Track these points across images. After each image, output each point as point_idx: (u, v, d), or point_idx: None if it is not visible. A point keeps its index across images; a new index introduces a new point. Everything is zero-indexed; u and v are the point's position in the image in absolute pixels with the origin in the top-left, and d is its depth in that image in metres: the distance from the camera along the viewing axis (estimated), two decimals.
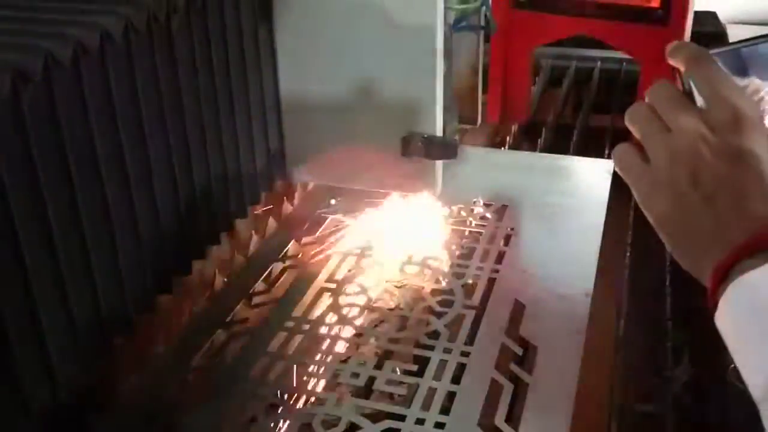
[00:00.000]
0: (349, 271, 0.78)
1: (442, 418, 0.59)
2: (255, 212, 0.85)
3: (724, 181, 0.44)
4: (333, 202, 0.90)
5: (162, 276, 0.65)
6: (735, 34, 1.40)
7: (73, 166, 0.53)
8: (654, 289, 0.86)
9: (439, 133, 0.76)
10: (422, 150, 0.74)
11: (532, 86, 1.35)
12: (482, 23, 0.91)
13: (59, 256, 0.53)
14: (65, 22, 0.53)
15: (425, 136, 0.75)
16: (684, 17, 1.06)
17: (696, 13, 1.50)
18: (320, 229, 0.86)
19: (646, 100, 0.49)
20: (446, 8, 0.78)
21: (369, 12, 0.73)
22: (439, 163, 0.77)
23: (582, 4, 1.12)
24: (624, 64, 1.34)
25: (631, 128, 0.49)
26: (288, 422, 0.59)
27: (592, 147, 1.14)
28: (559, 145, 1.16)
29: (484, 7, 0.90)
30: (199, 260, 0.74)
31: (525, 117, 1.24)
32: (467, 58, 0.93)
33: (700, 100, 0.47)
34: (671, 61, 0.49)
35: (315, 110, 0.79)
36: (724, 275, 0.43)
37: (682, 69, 0.48)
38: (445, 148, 0.75)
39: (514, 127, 1.21)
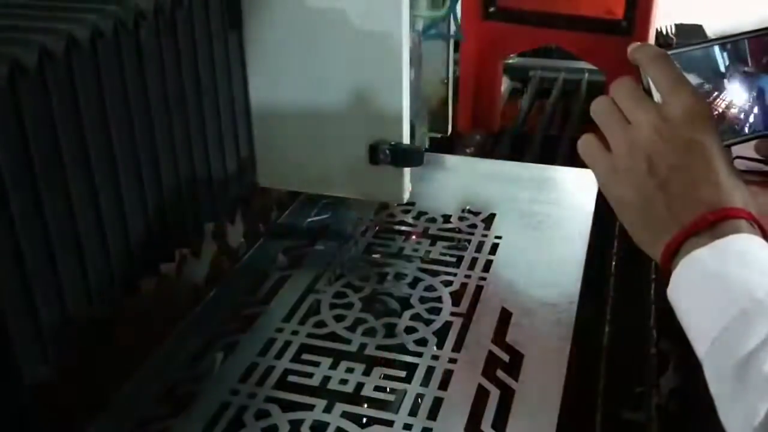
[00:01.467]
0: (339, 280, 0.79)
1: (429, 424, 0.60)
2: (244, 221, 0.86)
3: (676, 169, 0.48)
4: (324, 209, 0.91)
5: (129, 279, 0.65)
6: None
7: (37, 168, 0.53)
8: (639, 297, 0.87)
9: (406, 141, 0.77)
10: (389, 157, 0.76)
11: (521, 98, 1.37)
12: (451, 31, 0.93)
13: (26, 260, 0.53)
14: (31, 29, 0.53)
15: (392, 143, 0.76)
16: (647, 28, 1.09)
17: (682, 25, 1.54)
18: (311, 237, 0.87)
19: (609, 94, 0.53)
20: (414, 16, 0.79)
21: (336, 20, 0.74)
22: (407, 171, 0.79)
23: (550, 16, 1.15)
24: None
25: (595, 119, 0.53)
26: (277, 428, 0.60)
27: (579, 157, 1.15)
28: (546, 156, 1.17)
29: (452, 15, 0.91)
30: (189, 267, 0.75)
31: (495, 126, 1.26)
32: (438, 67, 0.94)
33: (657, 96, 0.51)
34: (632, 60, 0.53)
35: (284, 117, 0.80)
36: (675, 253, 0.47)
37: (641, 67, 0.53)
38: (411, 156, 0.77)
39: (501, 138, 1.23)
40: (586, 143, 0.54)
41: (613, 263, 0.91)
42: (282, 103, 0.80)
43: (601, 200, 0.92)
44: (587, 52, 1.18)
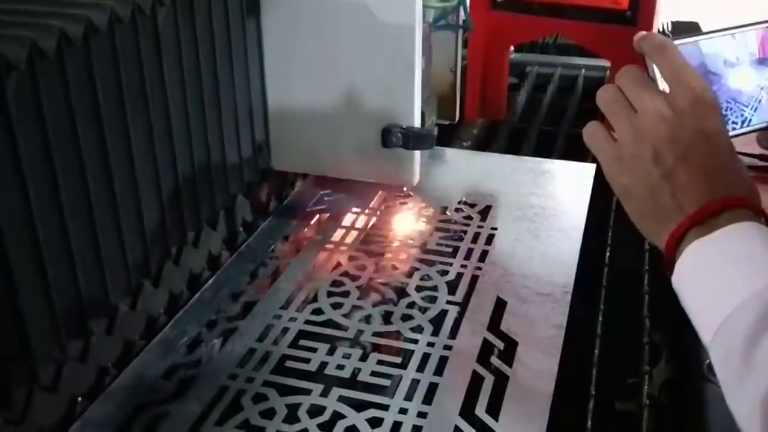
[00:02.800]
0: (336, 267, 0.80)
1: (424, 408, 0.61)
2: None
3: (682, 158, 0.49)
4: (323, 199, 0.91)
5: (144, 263, 0.66)
6: None
7: (56, 155, 0.54)
8: (633, 287, 0.88)
9: (417, 124, 0.79)
10: (401, 140, 0.77)
11: (518, 93, 1.38)
12: (460, 22, 0.94)
13: (41, 244, 0.54)
14: (50, 14, 0.54)
15: (404, 127, 0.78)
16: (651, 19, 1.10)
17: (678, 23, 1.55)
18: (309, 225, 0.87)
19: (616, 82, 0.53)
20: (425, 7, 0.80)
21: (352, 10, 0.76)
22: (417, 155, 0.81)
23: (556, 6, 1.16)
24: (608, 72, 1.36)
25: (601, 108, 0.53)
26: (274, 411, 0.61)
27: (576, 152, 1.16)
28: (542, 150, 1.18)
29: (462, 6, 0.93)
30: (188, 254, 0.75)
31: (502, 115, 1.27)
32: (446, 57, 0.95)
33: (663, 85, 0.51)
34: (637, 49, 0.53)
35: (299, 103, 0.82)
36: (679, 242, 0.48)
37: (647, 56, 0.53)
38: (422, 139, 0.79)
39: (498, 131, 1.24)
40: (591, 131, 0.54)
41: (607, 254, 0.91)
42: (298, 88, 0.82)
43: (602, 190, 0.93)
44: (592, 43, 1.19)
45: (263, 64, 0.81)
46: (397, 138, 0.78)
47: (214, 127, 0.73)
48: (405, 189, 0.92)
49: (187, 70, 0.67)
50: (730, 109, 0.55)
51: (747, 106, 0.56)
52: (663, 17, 1.54)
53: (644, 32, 0.54)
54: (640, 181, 0.50)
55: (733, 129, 0.54)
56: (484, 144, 1.23)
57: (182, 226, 0.71)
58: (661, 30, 1.50)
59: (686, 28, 1.51)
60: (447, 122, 1.02)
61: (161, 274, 0.74)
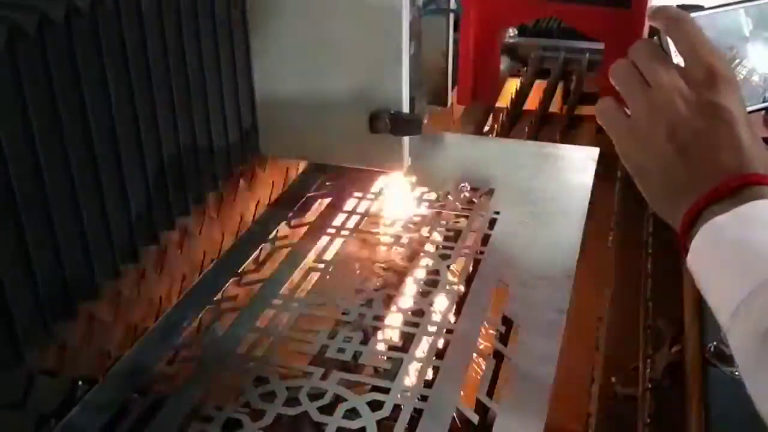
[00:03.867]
0: (338, 252, 0.80)
1: (425, 391, 0.61)
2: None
3: (698, 134, 0.47)
4: (325, 183, 0.91)
5: (130, 246, 0.66)
6: None
7: (36, 134, 0.53)
8: (635, 272, 0.87)
9: (405, 110, 0.78)
10: (389, 126, 0.77)
11: (521, 77, 1.37)
12: (451, 6, 0.93)
13: (25, 228, 0.53)
14: None
15: (392, 112, 0.77)
16: (644, 1, 1.09)
17: (682, 6, 1.53)
18: (310, 211, 0.87)
19: (629, 57, 0.51)
20: None
21: None
22: (406, 141, 0.80)
23: None
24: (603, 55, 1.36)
25: (614, 83, 0.52)
26: (275, 394, 0.61)
27: (578, 135, 1.16)
28: (545, 134, 1.18)
29: None
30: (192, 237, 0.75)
31: (495, 99, 1.27)
32: (437, 42, 0.95)
33: (677, 59, 0.50)
34: (651, 22, 0.51)
35: (287, 87, 0.82)
36: (694, 221, 0.46)
37: (662, 29, 0.51)
38: (410, 125, 0.78)
39: (501, 116, 1.23)
40: (604, 106, 0.52)
41: (610, 238, 0.91)
42: (285, 72, 0.81)
43: (605, 173, 0.93)
44: (586, 25, 1.19)
45: (249, 48, 0.80)
46: (384, 124, 0.78)
47: (199, 110, 0.73)
48: (411, 176, 0.91)
49: (171, 53, 0.67)
50: (747, 83, 0.54)
51: (763, 82, 0.54)
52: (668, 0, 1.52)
53: (658, 5, 0.52)
54: (655, 158, 0.49)
55: (750, 104, 0.52)
56: (488, 129, 1.22)
57: (168, 211, 0.70)
58: None
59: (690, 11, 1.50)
60: (439, 108, 1.01)
61: (165, 258, 0.74)
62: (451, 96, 0.99)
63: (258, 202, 0.89)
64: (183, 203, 0.72)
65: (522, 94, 1.31)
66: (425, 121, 0.82)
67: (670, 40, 0.50)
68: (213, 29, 0.73)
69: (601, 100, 0.53)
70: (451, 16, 0.95)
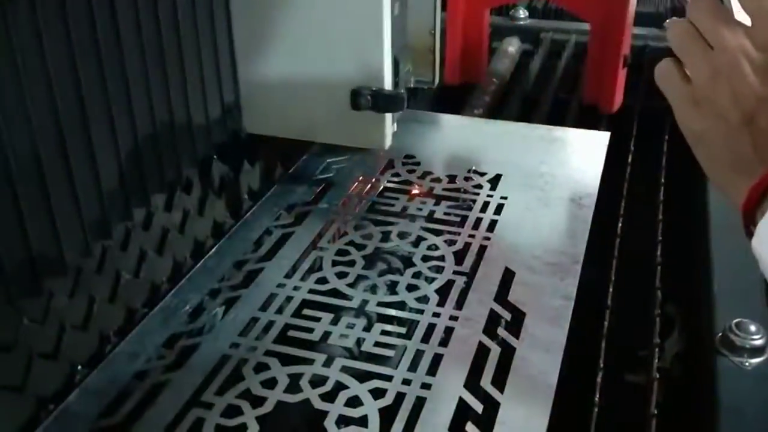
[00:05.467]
0: (342, 236, 0.79)
1: (428, 379, 0.60)
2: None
3: (765, 101, 0.43)
4: (330, 167, 0.90)
5: (102, 223, 0.65)
6: (738, 8, 1.39)
7: (2, 110, 0.52)
8: (645, 259, 0.86)
9: (387, 87, 0.78)
10: (370, 103, 0.77)
11: (532, 59, 1.35)
12: None
13: None
14: None
15: (374, 89, 0.77)
16: None
17: None
18: (315, 194, 0.86)
19: (687, 15, 0.47)
20: None
21: None
22: (389, 119, 0.80)
23: None
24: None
25: (672, 45, 0.48)
26: (276, 381, 0.60)
27: (590, 119, 1.14)
28: (555, 117, 1.16)
29: None
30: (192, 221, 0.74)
31: (482, 77, 1.25)
32: (426, 19, 0.94)
33: (741, 17, 0.45)
34: None
35: (270, 64, 0.81)
36: (760, 198, 0.42)
37: None
38: (392, 101, 0.78)
39: (510, 99, 1.22)
40: (663, 69, 0.48)
41: (619, 224, 0.90)
42: (267, 49, 0.81)
43: (615, 159, 0.91)
44: (573, 4, 1.18)
45: (231, 24, 0.80)
46: (366, 100, 0.77)
47: (177, 86, 0.71)
48: (418, 160, 0.90)
49: (145, 28, 0.65)
50: None
51: None
52: None
53: None
54: (716, 127, 0.44)
55: None
56: (496, 112, 1.21)
57: (144, 188, 0.69)
58: None
59: None
60: (426, 87, 1.00)
61: (165, 240, 0.73)
62: (438, 74, 0.97)
63: (262, 184, 0.88)
64: (160, 181, 0.71)
65: (532, 77, 1.30)
66: (411, 85, 0.82)
67: None
68: (191, 3, 0.72)
69: (662, 62, 0.49)
70: None
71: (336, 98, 0.79)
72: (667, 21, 0.48)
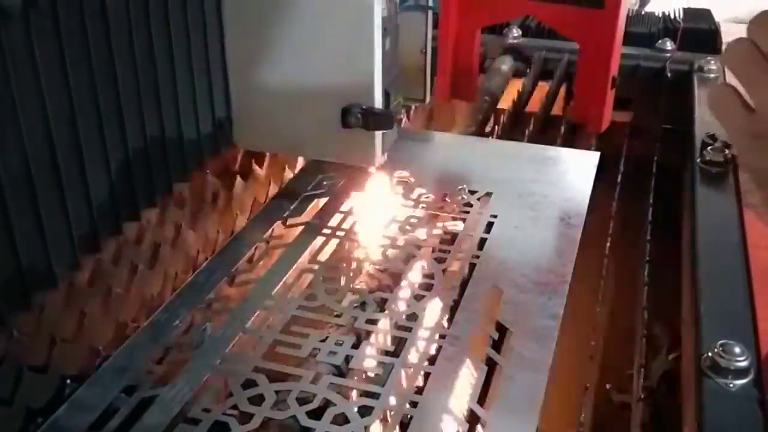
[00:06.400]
0: (332, 253, 0.79)
1: (415, 398, 0.60)
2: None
3: None
4: (321, 183, 0.91)
5: (91, 237, 0.65)
6: (729, 31, 1.41)
7: None
8: (632, 279, 0.87)
9: (377, 105, 0.79)
10: (360, 121, 0.77)
11: (524, 78, 1.36)
12: (429, 2, 0.94)
13: None
14: None
15: (364, 107, 0.78)
16: (619, 1, 1.08)
17: (690, 10, 1.52)
18: (305, 211, 0.87)
19: (746, 35, 0.42)
20: None
21: None
22: (379, 137, 0.81)
23: None
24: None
25: (730, 69, 0.43)
26: (263, 397, 0.60)
27: (579, 139, 1.15)
28: (546, 136, 1.17)
29: None
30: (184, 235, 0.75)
31: (472, 96, 1.27)
32: (416, 38, 0.95)
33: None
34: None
35: (261, 80, 0.82)
36: None
37: None
38: (382, 119, 0.79)
39: (502, 117, 1.23)
40: (720, 95, 0.43)
41: (608, 244, 0.90)
42: (258, 64, 0.81)
43: (604, 178, 0.92)
44: (562, 24, 1.19)
45: (223, 39, 0.81)
46: (356, 118, 0.78)
47: (168, 100, 0.72)
48: (410, 177, 0.91)
49: (137, 42, 0.66)
50: None
51: None
52: (675, 4, 1.52)
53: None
54: None
55: None
56: (488, 130, 1.22)
57: (134, 202, 0.70)
58: (672, 17, 1.48)
59: (697, 15, 1.49)
60: (416, 104, 1.02)
61: (158, 255, 0.74)
62: (430, 92, 0.99)
63: (254, 200, 0.89)
64: (149, 195, 0.72)
65: (524, 96, 1.31)
66: (401, 117, 0.82)
67: None
68: (184, 19, 0.73)
69: (716, 86, 0.44)
70: (430, 13, 0.95)
71: (326, 115, 0.80)
72: (727, 42, 0.42)
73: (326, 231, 0.83)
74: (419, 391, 0.61)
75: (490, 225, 0.84)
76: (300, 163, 0.96)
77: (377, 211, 0.87)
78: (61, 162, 0.60)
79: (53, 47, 0.57)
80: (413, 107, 1.17)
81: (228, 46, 0.81)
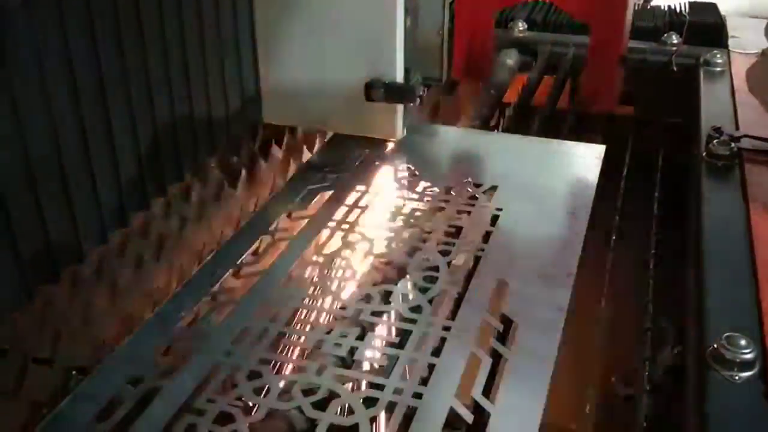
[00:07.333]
0: (338, 245, 0.79)
1: (420, 389, 0.60)
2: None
3: None
4: (326, 176, 0.91)
5: (119, 212, 0.66)
6: (734, 25, 1.41)
7: (22, 101, 0.53)
8: (637, 272, 0.87)
9: (399, 79, 0.82)
10: (383, 95, 0.79)
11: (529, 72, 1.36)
12: None
13: (6, 196, 0.53)
14: None
15: (386, 81, 0.81)
16: None
17: (696, 3, 1.52)
18: (311, 204, 0.87)
19: None
20: None
21: None
22: (400, 109, 0.84)
23: None
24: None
25: None
26: (268, 389, 0.60)
27: (585, 132, 1.15)
28: (552, 129, 1.17)
29: None
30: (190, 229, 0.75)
31: (487, 74, 1.30)
32: (434, 20, 0.97)
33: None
34: None
35: (290, 57, 0.86)
36: None
37: None
38: (404, 93, 0.82)
39: (507, 111, 1.22)
40: None
41: (613, 238, 0.90)
42: (286, 42, 0.85)
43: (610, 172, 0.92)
44: (574, 7, 1.23)
45: (253, 19, 0.84)
46: (379, 92, 0.82)
47: (197, 78, 0.73)
48: (415, 170, 0.91)
49: (167, 22, 0.67)
50: None
51: None
52: None
53: None
54: None
55: None
56: (493, 124, 1.21)
57: (162, 178, 0.70)
58: (678, 10, 1.47)
59: (703, 8, 1.48)
60: (433, 84, 1.04)
61: (162, 247, 0.74)
62: (447, 73, 1.00)
63: (259, 193, 0.89)
64: (177, 172, 0.72)
65: (530, 89, 1.30)
66: (421, 93, 0.85)
67: None
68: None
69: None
70: None
71: (349, 90, 0.84)
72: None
73: (331, 224, 0.83)
74: (424, 382, 0.61)
75: (495, 218, 0.84)
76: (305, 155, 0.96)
77: (382, 204, 0.87)
78: (90, 137, 0.60)
79: (84, 26, 0.58)
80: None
81: (257, 23, 0.84)
